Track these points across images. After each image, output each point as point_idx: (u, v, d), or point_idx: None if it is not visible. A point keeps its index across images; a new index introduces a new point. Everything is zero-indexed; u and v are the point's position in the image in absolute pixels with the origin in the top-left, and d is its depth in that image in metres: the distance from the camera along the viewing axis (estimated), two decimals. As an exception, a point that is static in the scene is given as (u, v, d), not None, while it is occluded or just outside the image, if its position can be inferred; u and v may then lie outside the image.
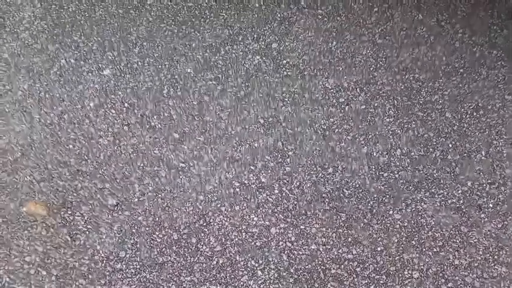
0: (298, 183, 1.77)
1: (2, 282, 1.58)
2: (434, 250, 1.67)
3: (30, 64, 1.93)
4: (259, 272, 1.63)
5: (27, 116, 1.83)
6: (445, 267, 1.65)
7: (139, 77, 1.93)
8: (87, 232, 1.66)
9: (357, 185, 1.77)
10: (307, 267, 1.64)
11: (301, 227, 1.70)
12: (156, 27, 2.03)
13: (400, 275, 1.63)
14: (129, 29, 2.02)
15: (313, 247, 1.67)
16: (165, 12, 2.06)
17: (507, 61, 1.99)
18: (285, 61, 1.98)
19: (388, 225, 1.71)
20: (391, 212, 1.73)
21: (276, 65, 1.97)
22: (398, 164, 1.81)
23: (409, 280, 1.63)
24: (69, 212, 1.69)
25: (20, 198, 1.70)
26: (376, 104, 1.91)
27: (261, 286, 1.61)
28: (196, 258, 1.64)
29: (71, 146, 1.79)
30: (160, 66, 1.95)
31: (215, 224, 1.69)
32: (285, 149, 1.82)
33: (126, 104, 1.87)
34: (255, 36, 2.03)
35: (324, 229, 1.70)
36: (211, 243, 1.67)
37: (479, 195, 1.76)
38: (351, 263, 1.65)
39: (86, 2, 2.07)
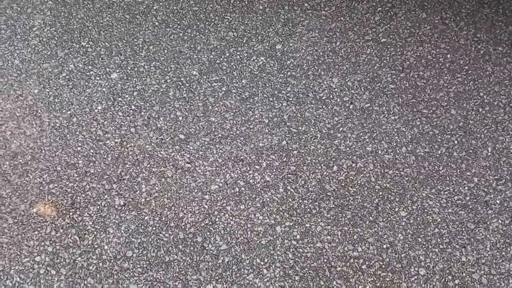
0: (303, 182, 1.77)
1: (12, 281, 1.61)
2: (441, 247, 1.66)
3: (40, 70, 1.98)
4: (265, 270, 1.64)
5: (37, 119, 1.88)
6: (452, 264, 1.63)
7: (145, 80, 1.96)
8: (95, 232, 1.69)
9: (362, 183, 1.77)
10: (312, 265, 1.64)
11: (307, 225, 1.70)
12: (162, 31, 2.07)
13: (406, 272, 1.63)
14: (135, 34, 2.06)
15: (318, 245, 1.67)
16: (170, 17, 2.10)
17: (513, 57, 1.98)
18: (289, 61, 2.00)
19: (394, 222, 1.70)
20: (396, 209, 1.72)
21: (280, 66, 1.99)
22: (403, 161, 1.80)
23: (416, 277, 1.62)
24: (78, 213, 1.72)
25: (30, 199, 1.74)
26: (380, 102, 1.91)
27: (267, 284, 1.62)
28: (202, 257, 1.66)
29: (79, 148, 1.82)
30: (166, 69, 1.99)
31: (221, 223, 1.71)
32: (290, 148, 1.83)
33: (133, 107, 1.91)
34: (259, 37, 2.05)
35: (329, 227, 1.70)
36: (217, 242, 1.68)
37: (486, 192, 1.74)
38: (356, 260, 1.65)
39: (94, 9, 2.12)
